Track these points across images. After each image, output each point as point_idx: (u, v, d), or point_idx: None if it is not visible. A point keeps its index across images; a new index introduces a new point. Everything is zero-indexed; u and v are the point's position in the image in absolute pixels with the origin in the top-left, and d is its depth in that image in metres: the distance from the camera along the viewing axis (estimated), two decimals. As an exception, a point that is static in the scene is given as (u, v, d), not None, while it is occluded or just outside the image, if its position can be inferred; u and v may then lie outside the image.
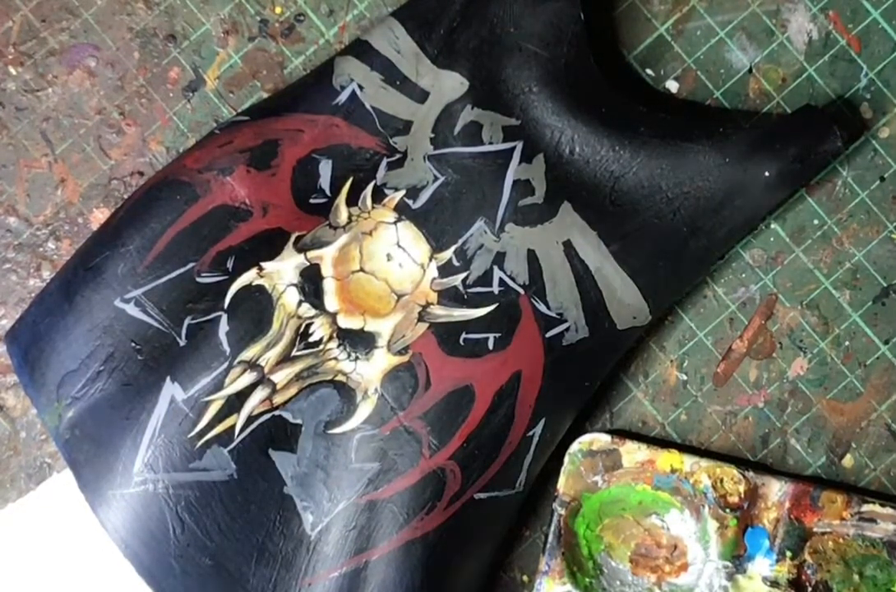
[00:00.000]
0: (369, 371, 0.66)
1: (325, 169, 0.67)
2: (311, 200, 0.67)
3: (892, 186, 0.70)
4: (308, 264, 0.67)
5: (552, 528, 0.68)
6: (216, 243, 0.66)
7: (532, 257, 0.67)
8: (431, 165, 0.67)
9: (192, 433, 0.66)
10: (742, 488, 0.68)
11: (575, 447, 0.68)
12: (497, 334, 0.67)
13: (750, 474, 0.68)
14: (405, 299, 0.67)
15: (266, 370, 0.66)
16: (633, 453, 0.68)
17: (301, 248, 0.67)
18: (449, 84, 0.67)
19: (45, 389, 0.67)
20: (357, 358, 0.66)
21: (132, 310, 0.66)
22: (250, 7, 0.71)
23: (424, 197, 0.67)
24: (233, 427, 0.66)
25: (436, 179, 0.67)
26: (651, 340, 0.71)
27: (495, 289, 0.67)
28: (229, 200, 0.66)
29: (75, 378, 0.66)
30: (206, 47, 0.71)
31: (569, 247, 0.67)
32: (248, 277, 0.66)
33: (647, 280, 0.67)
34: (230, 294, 0.66)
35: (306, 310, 0.66)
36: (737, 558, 0.68)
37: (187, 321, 0.66)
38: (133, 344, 0.66)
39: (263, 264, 0.66)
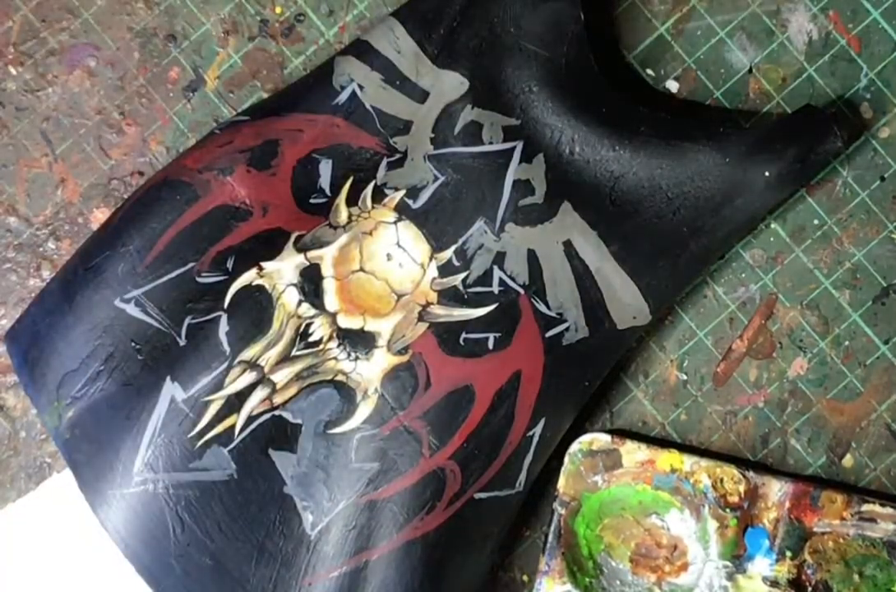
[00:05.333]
0: (369, 371, 0.66)
1: (326, 169, 0.67)
2: (312, 200, 0.67)
3: (892, 186, 0.70)
4: (308, 263, 0.67)
5: (552, 528, 0.68)
6: (216, 243, 0.66)
7: (532, 256, 0.67)
8: (431, 164, 0.67)
9: (192, 433, 0.66)
10: (742, 488, 0.68)
11: (575, 447, 0.68)
12: (497, 334, 0.67)
13: (750, 474, 0.68)
14: (405, 298, 0.67)
15: (266, 369, 0.66)
16: (633, 453, 0.68)
17: (301, 248, 0.67)
18: (449, 84, 0.67)
19: (45, 389, 0.67)
20: (357, 358, 0.66)
21: (132, 310, 0.66)
22: (250, 7, 0.71)
23: (424, 197, 0.67)
24: (233, 427, 0.66)
25: (436, 178, 0.67)
26: (651, 340, 0.71)
27: (495, 289, 0.67)
28: (229, 200, 0.66)
29: (75, 378, 0.66)
30: (206, 47, 0.71)
31: (569, 247, 0.67)
32: (248, 277, 0.66)
33: (647, 280, 0.67)
34: (230, 294, 0.66)
35: (306, 310, 0.66)
36: (737, 558, 0.68)
37: (187, 321, 0.66)
38: (133, 344, 0.66)
39: (263, 264, 0.66)
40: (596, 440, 0.68)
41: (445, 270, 0.67)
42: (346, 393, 0.66)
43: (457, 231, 0.67)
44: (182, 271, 0.66)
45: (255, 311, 0.66)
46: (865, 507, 0.68)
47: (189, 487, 0.66)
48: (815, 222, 0.71)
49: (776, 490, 0.68)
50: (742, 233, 0.67)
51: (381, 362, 0.66)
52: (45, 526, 0.72)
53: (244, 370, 0.66)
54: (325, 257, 0.67)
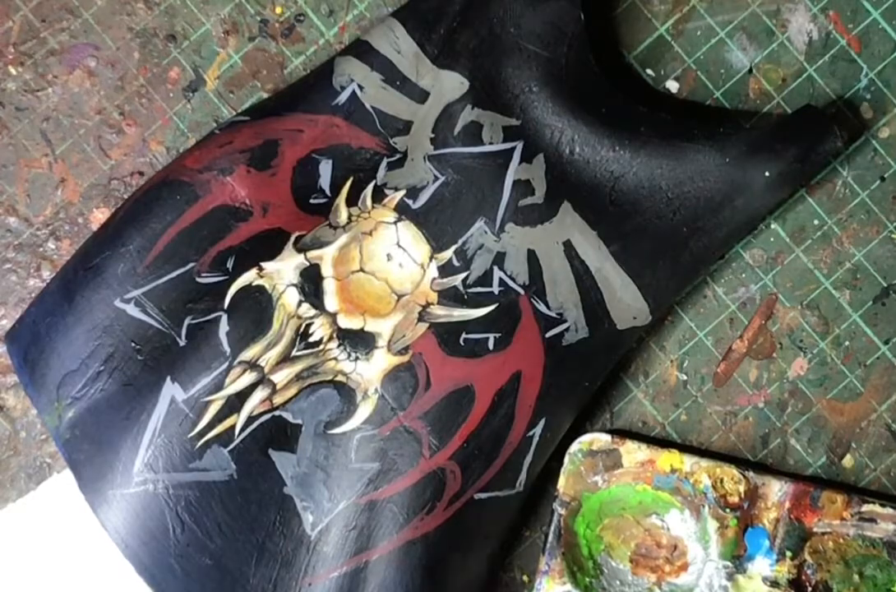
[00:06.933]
0: (369, 371, 0.66)
1: (326, 169, 0.67)
2: (312, 200, 0.67)
3: (892, 186, 0.70)
4: (308, 264, 0.67)
5: (552, 528, 0.68)
6: (216, 243, 0.66)
7: (532, 257, 0.67)
8: (431, 165, 0.67)
9: (192, 434, 0.66)
10: (742, 488, 0.68)
11: (575, 447, 0.68)
12: (497, 335, 0.67)
13: (750, 474, 0.68)
14: (405, 299, 0.67)
15: (266, 370, 0.66)
16: (633, 453, 0.68)
17: (301, 248, 0.67)
18: (449, 84, 0.67)
19: (46, 389, 0.67)
20: (357, 358, 0.66)
21: (132, 310, 0.66)
22: (250, 7, 0.71)
23: (424, 197, 0.67)
24: (233, 427, 0.66)
25: (436, 179, 0.67)
26: (651, 340, 0.71)
27: (495, 289, 0.67)
28: (229, 200, 0.66)
29: (75, 378, 0.66)
30: (207, 47, 0.71)
31: (569, 247, 0.67)
32: (248, 277, 0.66)
33: (647, 280, 0.67)
34: (230, 294, 0.66)
35: (306, 310, 0.66)
36: (737, 558, 0.68)
37: (187, 322, 0.66)
38: (133, 344, 0.66)
39: (263, 265, 0.66)
40: (596, 440, 0.68)
41: (445, 270, 0.67)
42: (346, 393, 0.66)
43: (457, 231, 0.67)
44: (182, 271, 0.66)
45: (256, 311, 0.66)
46: (865, 507, 0.68)
47: (189, 487, 0.66)
48: (815, 222, 0.71)
49: (776, 491, 0.68)
50: (742, 233, 0.67)
51: (381, 362, 0.66)
52: (45, 526, 0.72)
53: (244, 371, 0.66)
54: (325, 257, 0.67)
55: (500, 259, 0.67)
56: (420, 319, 0.67)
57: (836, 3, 0.70)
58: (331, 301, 0.67)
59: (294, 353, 0.66)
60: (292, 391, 0.66)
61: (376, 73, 0.67)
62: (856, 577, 0.68)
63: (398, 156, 0.67)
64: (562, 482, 0.68)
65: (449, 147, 0.67)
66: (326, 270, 0.67)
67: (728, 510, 0.68)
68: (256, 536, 0.66)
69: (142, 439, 0.66)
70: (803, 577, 0.68)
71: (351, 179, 0.67)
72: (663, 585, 0.69)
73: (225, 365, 0.66)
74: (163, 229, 0.66)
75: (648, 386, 0.71)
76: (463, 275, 0.67)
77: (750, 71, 0.70)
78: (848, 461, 0.70)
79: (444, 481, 0.66)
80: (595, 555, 0.69)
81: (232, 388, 0.66)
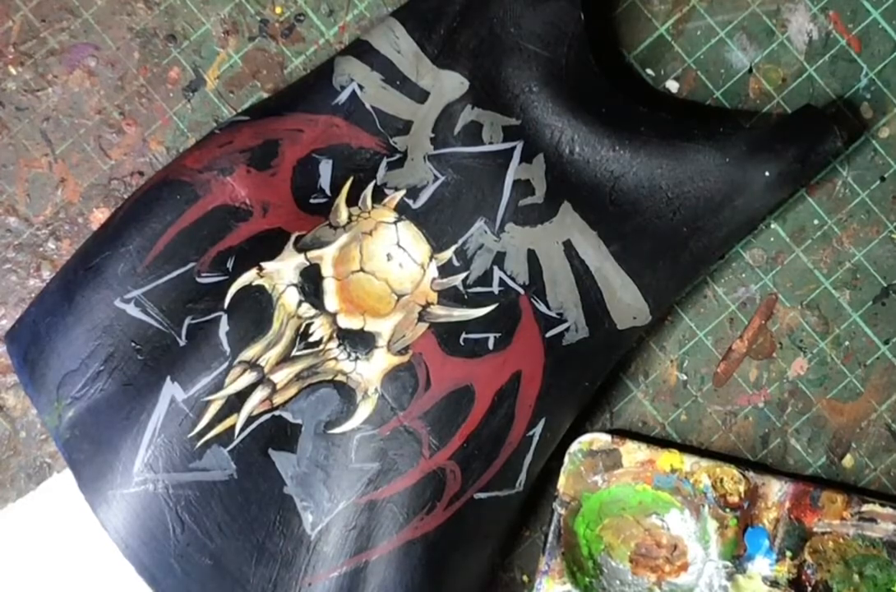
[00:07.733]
0: (369, 371, 0.66)
1: (326, 169, 0.67)
2: (312, 200, 0.67)
3: (892, 186, 0.70)
4: (308, 263, 0.67)
5: (552, 528, 0.68)
6: (216, 243, 0.66)
7: (532, 256, 0.67)
8: (431, 165, 0.67)
9: (192, 433, 0.66)
10: (742, 488, 0.68)
11: (575, 446, 0.68)
12: (497, 334, 0.67)
13: (750, 474, 0.68)
14: (405, 299, 0.67)
15: (266, 369, 0.66)
16: (633, 453, 0.68)
17: (301, 248, 0.67)
18: (449, 84, 0.67)
19: (45, 389, 0.67)
20: (357, 358, 0.66)
21: (132, 310, 0.66)
22: (250, 7, 0.71)
23: (424, 197, 0.67)
24: (233, 427, 0.66)
25: (436, 178, 0.67)
26: (651, 340, 0.71)
27: (495, 289, 0.67)
28: (229, 200, 0.66)
29: (75, 378, 0.66)
30: (207, 47, 0.71)
31: (569, 247, 0.67)
32: (248, 277, 0.66)
33: (647, 280, 0.67)
34: (230, 294, 0.66)
35: (306, 310, 0.66)
36: (737, 558, 0.68)
37: (187, 321, 0.66)
38: (133, 344, 0.66)
39: (263, 264, 0.66)
40: (596, 440, 0.68)
41: (445, 270, 0.67)
42: (346, 393, 0.66)
43: (457, 231, 0.67)
44: (182, 271, 0.66)
45: (256, 311, 0.66)
46: (865, 507, 0.68)
47: (189, 487, 0.66)
48: (815, 222, 0.71)
49: (776, 490, 0.68)
50: (742, 233, 0.67)
51: (381, 362, 0.66)
52: (45, 526, 0.72)
53: (244, 370, 0.66)
54: (326, 257, 0.67)
55: (500, 259, 0.67)
56: (420, 319, 0.67)
57: (836, 3, 0.70)
58: (331, 301, 0.67)
59: (294, 353, 0.66)
60: (292, 390, 0.66)
61: (376, 72, 0.67)
62: (856, 577, 0.68)
63: (398, 156, 0.67)
64: (562, 482, 0.68)
65: (449, 147, 0.67)
66: (326, 270, 0.67)
67: (728, 509, 0.68)
68: (256, 536, 0.66)
69: (142, 439, 0.66)
70: (803, 577, 0.68)
71: (351, 178, 0.67)
72: (663, 585, 0.69)
73: (225, 365, 0.66)
74: (163, 228, 0.66)
75: (648, 386, 0.71)
76: (463, 275, 0.67)
77: (750, 71, 0.70)
78: (848, 461, 0.70)
79: (444, 481, 0.66)
80: (595, 555, 0.69)
81: (232, 388, 0.66)
